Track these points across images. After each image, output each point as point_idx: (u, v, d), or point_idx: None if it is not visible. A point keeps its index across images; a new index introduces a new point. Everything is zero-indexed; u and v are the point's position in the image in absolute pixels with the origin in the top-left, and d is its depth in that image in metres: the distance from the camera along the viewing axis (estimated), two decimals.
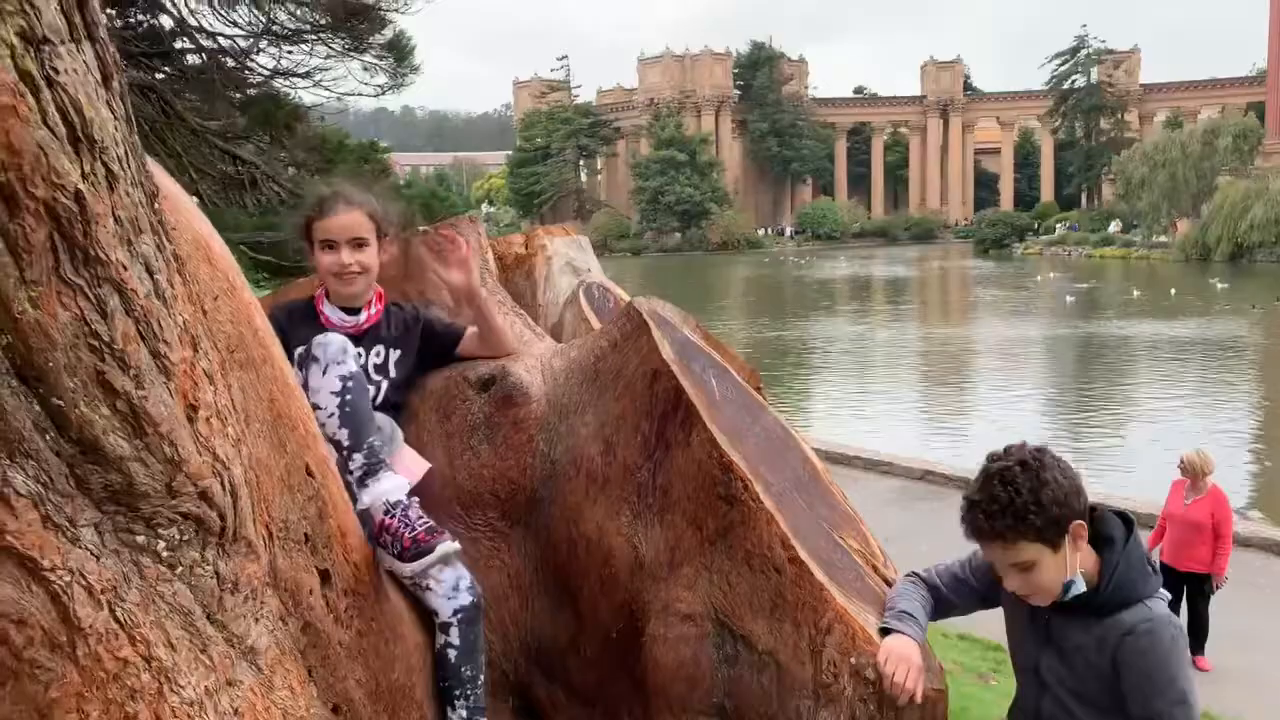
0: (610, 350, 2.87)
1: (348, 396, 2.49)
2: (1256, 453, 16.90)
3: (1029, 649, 2.43)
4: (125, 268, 1.35)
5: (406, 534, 2.42)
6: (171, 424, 1.51)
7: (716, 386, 2.84)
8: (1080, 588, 2.26)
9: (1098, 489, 13.36)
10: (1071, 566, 2.25)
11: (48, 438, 1.35)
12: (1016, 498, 2.17)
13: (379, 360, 2.85)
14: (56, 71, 1.18)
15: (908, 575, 2.66)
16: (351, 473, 2.47)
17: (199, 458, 1.60)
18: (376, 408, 2.77)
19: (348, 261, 2.76)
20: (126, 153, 1.35)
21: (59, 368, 1.30)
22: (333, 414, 2.47)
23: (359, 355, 2.77)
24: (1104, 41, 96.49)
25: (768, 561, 2.51)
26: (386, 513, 2.44)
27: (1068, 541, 2.23)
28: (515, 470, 2.84)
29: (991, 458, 2.28)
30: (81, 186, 1.24)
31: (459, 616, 2.59)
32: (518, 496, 2.84)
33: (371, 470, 2.48)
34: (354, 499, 2.46)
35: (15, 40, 1.13)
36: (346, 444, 2.47)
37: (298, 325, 2.71)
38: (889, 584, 2.69)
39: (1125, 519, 2.36)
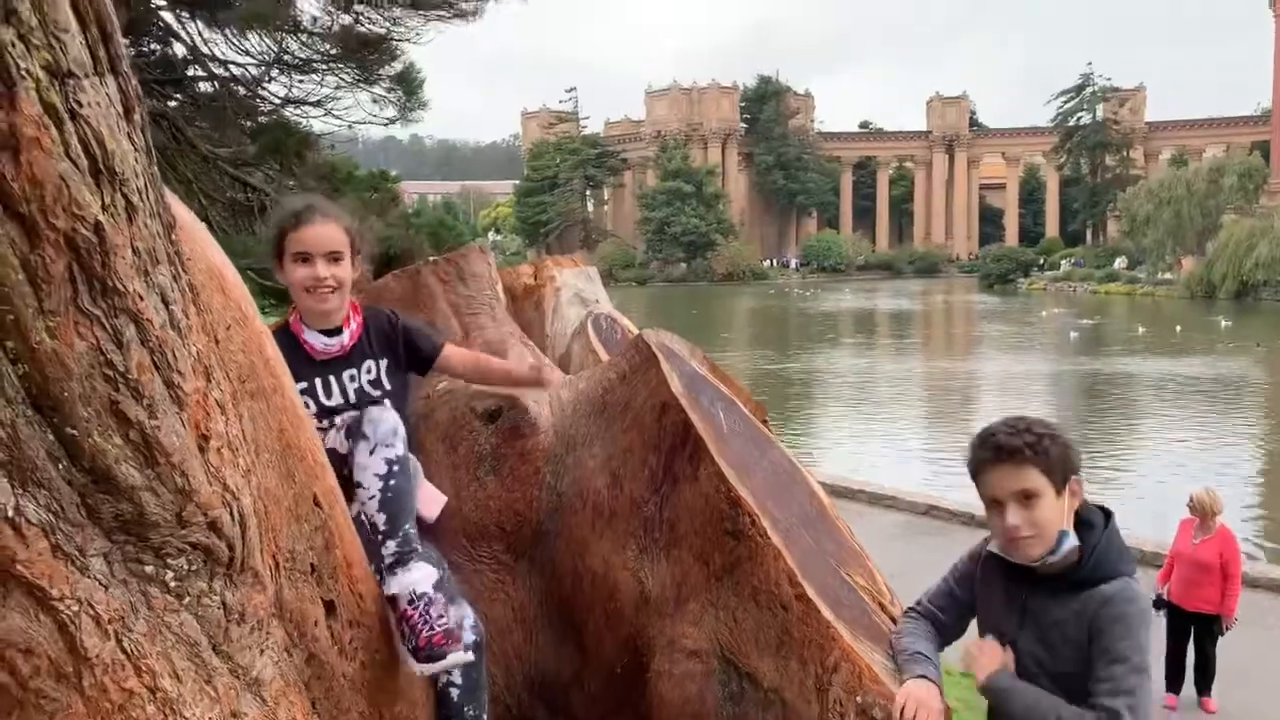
0: (618, 382, 2.87)
1: (392, 481, 2.45)
2: (1260, 492, 16.81)
3: (1004, 631, 2.44)
4: (142, 298, 1.36)
5: (424, 632, 2.37)
6: (183, 454, 1.51)
7: (724, 420, 2.84)
8: (1072, 542, 2.31)
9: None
10: (1067, 520, 2.32)
11: (60, 467, 1.35)
12: (1035, 426, 2.32)
13: (371, 376, 2.78)
14: (80, 105, 1.19)
15: (908, 612, 2.67)
16: (383, 558, 2.43)
17: (209, 488, 1.59)
18: None
19: (323, 275, 2.64)
20: (146, 184, 1.36)
21: (74, 397, 1.31)
22: (374, 496, 2.44)
23: (351, 378, 2.75)
24: (1109, 79, 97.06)
25: (774, 598, 2.50)
26: (410, 603, 2.40)
27: (1066, 493, 2.32)
28: (521, 502, 2.83)
29: None
30: (101, 218, 1.25)
31: None
32: (524, 529, 2.83)
33: (403, 560, 2.43)
34: (380, 580, 2.43)
35: (41, 74, 1.14)
36: (383, 528, 2.43)
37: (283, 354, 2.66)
38: (895, 621, 2.68)
39: (1105, 511, 2.43)
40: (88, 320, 1.29)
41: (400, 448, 2.49)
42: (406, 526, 2.46)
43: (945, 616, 2.60)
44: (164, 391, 1.45)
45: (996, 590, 2.46)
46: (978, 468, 2.36)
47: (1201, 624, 7.80)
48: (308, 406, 2.60)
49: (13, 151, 1.13)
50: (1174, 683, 7.98)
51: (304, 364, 2.63)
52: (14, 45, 1.10)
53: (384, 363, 2.77)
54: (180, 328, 1.48)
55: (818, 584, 2.54)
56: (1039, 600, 2.37)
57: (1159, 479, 17.01)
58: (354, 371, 2.72)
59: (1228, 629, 7.81)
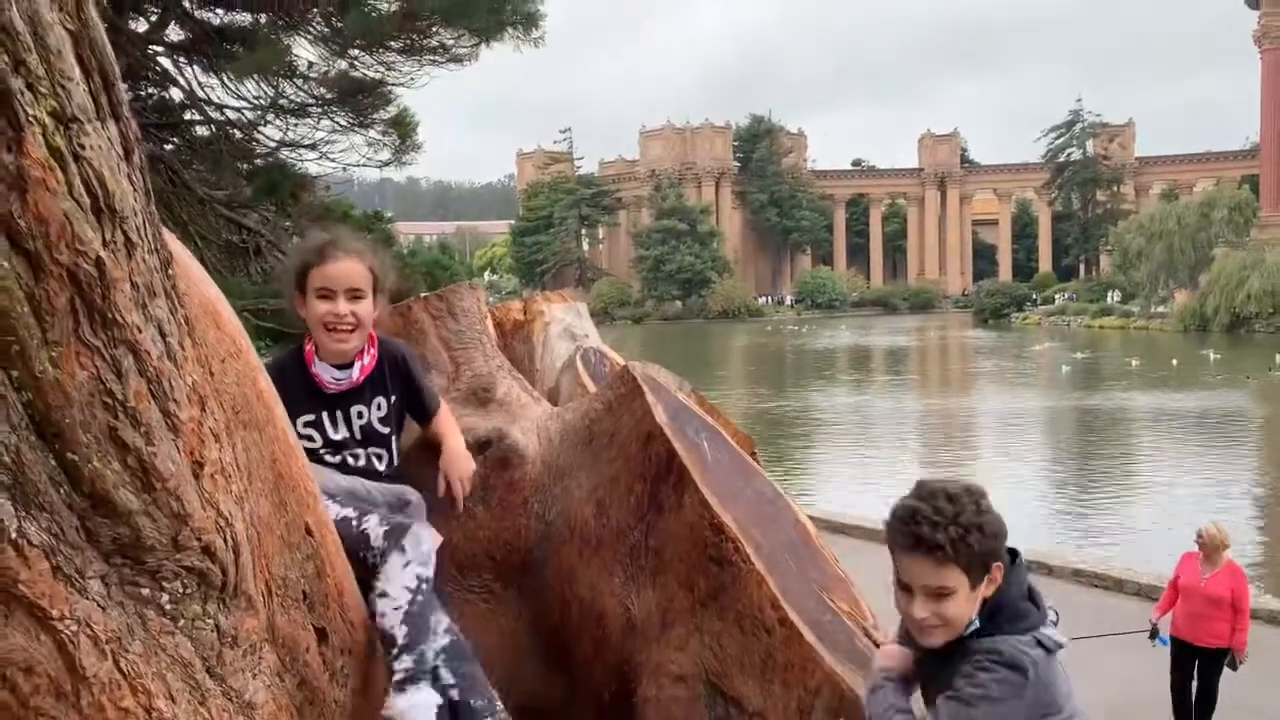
0: (605, 413, 2.93)
1: (419, 597, 2.44)
2: (1256, 523, 16.84)
3: (930, 698, 2.28)
4: (140, 330, 1.43)
5: None
6: (179, 480, 1.57)
7: (709, 449, 2.90)
8: (974, 626, 2.15)
9: (1099, 555, 13.32)
10: (977, 608, 2.16)
11: (62, 491, 1.41)
12: (962, 515, 2.10)
13: (381, 413, 2.75)
14: (83, 148, 1.27)
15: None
16: (394, 671, 2.39)
17: (203, 513, 1.66)
18: (393, 466, 2.79)
19: (343, 312, 2.61)
20: (144, 222, 1.43)
21: (75, 424, 1.37)
22: (400, 607, 2.41)
23: (359, 414, 2.74)
24: (1099, 115, 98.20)
25: (758, 623, 2.55)
26: None
27: (985, 581, 2.14)
28: (510, 532, 2.89)
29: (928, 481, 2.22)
30: (102, 254, 1.32)
31: (444, 656, 2.57)
32: (513, 558, 2.89)
33: (414, 679, 2.39)
34: (386, 692, 2.40)
35: (47, 119, 1.22)
36: (402, 641, 2.40)
37: (289, 386, 2.55)
38: (878, 646, 2.72)
39: (1012, 553, 2.24)
40: (89, 350, 1.36)
41: (431, 568, 2.48)
42: (424, 647, 2.42)
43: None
44: (160, 419, 1.52)
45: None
46: (892, 546, 2.17)
47: (1208, 659, 7.73)
48: (313, 440, 2.63)
49: (20, 191, 1.20)
50: (1180, 718, 7.93)
51: (313, 396, 2.64)
52: (23, 93, 1.18)
53: (394, 399, 2.77)
54: (176, 359, 1.55)
55: (800, 609, 2.59)
56: (936, 669, 2.21)
57: (1155, 511, 17.05)
58: (363, 408, 2.70)
59: (1241, 663, 7.69)
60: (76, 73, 1.25)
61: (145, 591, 1.61)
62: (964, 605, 2.12)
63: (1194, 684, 7.87)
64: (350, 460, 2.74)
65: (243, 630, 1.87)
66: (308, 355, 2.70)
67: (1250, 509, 17.99)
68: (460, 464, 2.86)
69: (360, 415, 2.73)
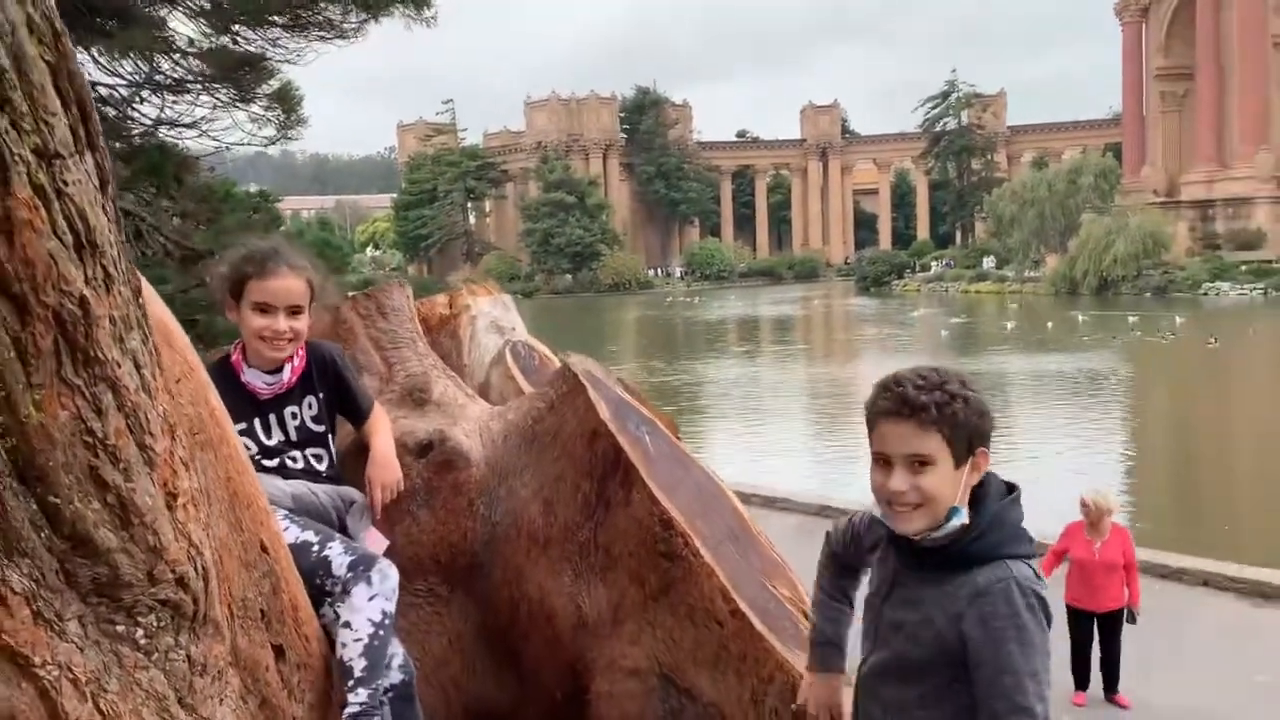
0: (547, 412, 2.94)
1: (381, 632, 2.44)
2: (1131, 477, 17.77)
3: (874, 605, 2.24)
4: (119, 365, 1.38)
5: None
6: (155, 513, 1.53)
7: (650, 443, 2.94)
8: (961, 520, 2.05)
9: None
10: (962, 496, 2.06)
11: (42, 535, 1.37)
12: (947, 384, 2.03)
13: (313, 412, 2.74)
14: (66, 184, 1.22)
15: (823, 587, 2.47)
16: (346, 705, 2.38)
17: (177, 545, 1.62)
18: (333, 466, 2.75)
19: (283, 329, 2.60)
20: (118, 254, 1.38)
21: (57, 466, 1.33)
22: (361, 639, 2.42)
23: (293, 415, 2.70)
24: (973, 86, 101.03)
25: (710, 615, 2.60)
26: None
27: (968, 466, 2.06)
28: (456, 534, 2.88)
29: None
30: (85, 291, 1.28)
31: (390, 695, 2.60)
32: (458, 560, 2.88)
33: (367, 714, 2.40)
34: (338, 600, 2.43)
35: (31, 157, 1.17)
36: (359, 674, 2.40)
37: (222, 392, 2.49)
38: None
39: (1010, 486, 2.18)
40: (70, 390, 1.32)
41: (394, 604, 2.49)
42: (380, 682, 2.43)
43: (855, 555, 2.42)
44: (138, 454, 1.47)
45: (881, 551, 2.25)
46: (874, 416, 2.07)
47: (1106, 622, 7.95)
48: (248, 447, 2.57)
49: (7, 234, 1.15)
50: (1081, 681, 8.22)
51: (244, 403, 2.60)
52: (8, 132, 1.13)
53: (322, 397, 2.75)
54: (150, 390, 1.51)
55: (749, 598, 2.65)
56: (909, 574, 2.14)
57: (1034, 470, 17.82)
58: (295, 408, 2.69)
59: (1138, 615, 7.92)
60: (58, 106, 1.20)
61: (120, 628, 1.57)
62: (945, 483, 2.03)
63: (1094, 647, 8.17)
64: (290, 464, 2.71)
65: (210, 657, 1.84)
66: (235, 364, 2.67)
67: (1120, 464, 18.97)
68: (385, 470, 2.83)
69: (294, 416, 2.72)
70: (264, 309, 2.60)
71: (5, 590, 1.32)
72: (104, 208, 1.33)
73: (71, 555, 1.42)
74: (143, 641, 1.61)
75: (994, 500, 2.11)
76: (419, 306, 3.76)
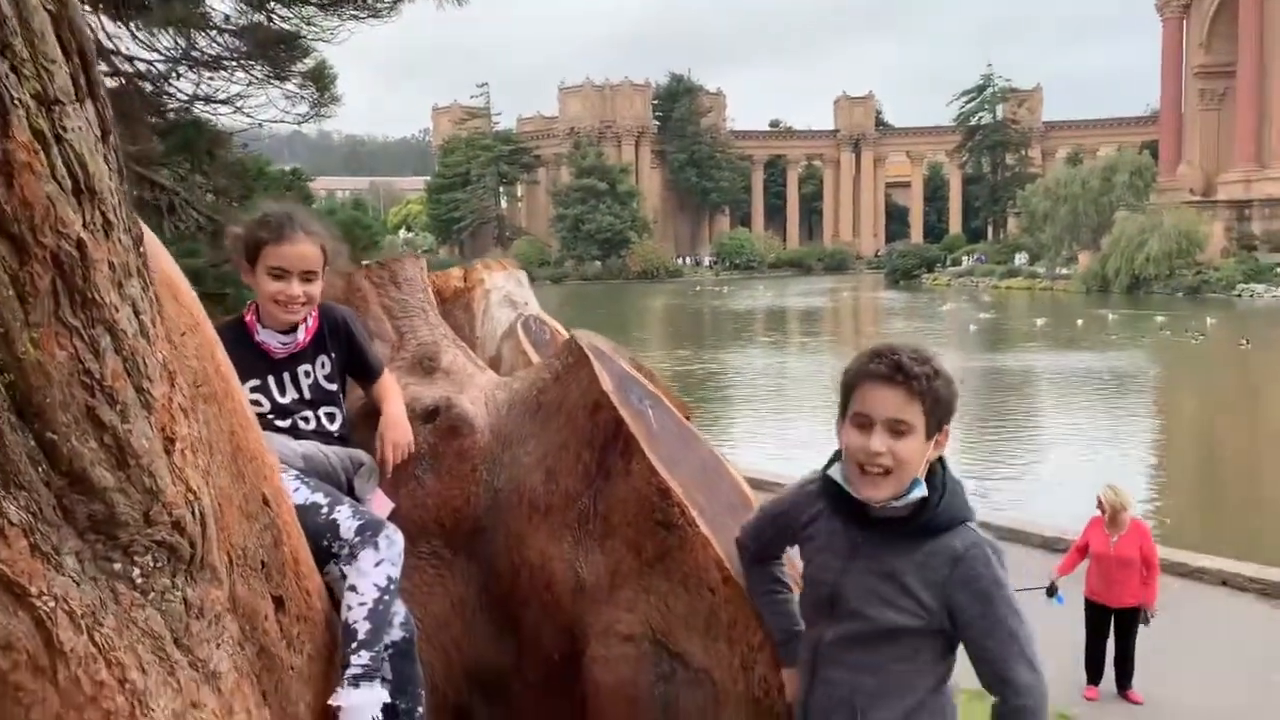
0: (552, 383, 2.98)
1: (386, 597, 2.49)
2: (1157, 477, 17.63)
3: (829, 568, 2.32)
4: (117, 309, 1.44)
5: None
6: (151, 456, 1.59)
7: (654, 417, 2.97)
8: (921, 492, 2.18)
9: (1004, 509, 13.83)
10: (923, 469, 2.19)
11: (40, 470, 1.42)
12: (932, 360, 2.17)
13: (326, 371, 2.80)
14: (65, 129, 1.27)
15: (765, 582, 2.59)
16: (349, 666, 2.43)
17: (174, 488, 1.67)
18: (345, 425, 2.81)
19: (296, 294, 2.67)
20: (119, 202, 1.44)
21: (54, 404, 1.38)
22: (366, 604, 2.46)
23: (306, 374, 2.76)
24: (1009, 80, 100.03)
25: (703, 583, 2.64)
26: None
27: (933, 440, 2.19)
28: (459, 499, 2.93)
29: None
30: (83, 235, 1.33)
31: (390, 652, 2.66)
32: (462, 525, 2.93)
33: (368, 675, 2.45)
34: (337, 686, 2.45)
35: (31, 102, 1.22)
36: (363, 637, 2.45)
37: (233, 354, 2.53)
38: None
39: (940, 458, 2.29)
40: (68, 331, 1.37)
41: (399, 569, 2.55)
42: (380, 647, 2.48)
43: (780, 542, 2.58)
44: (135, 397, 1.53)
45: (824, 525, 2.34)
46: (861, 379, 2.19)
47: (1122, 618, 7.98)
48: (260, 404, 2.64)
49: (7, 176, 1.20)
50: (1094, 675, 8.22)
51: (258, 362, 2.66)
52: (8, 76, 1.18)
53: (334, 357, 2.80)
54: (149, 336, 1.56)
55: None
56: (873, 544, 2.24)
57: (1059, 467, 17.72)
58: (309, 367, 2.74)
59: (1152, 616, 7.97)
60: (59, 54, 1.25)
61: (117, 566, 1.63)
62: (916, 452, 2.15)
63: (1109, 643, 8.15)
64: (301, 424, 2.76)
65: (208, 601, 1.90)
66: (250, 324, 2.72)
67: (1149, 464, 18.82)
68: (397, 430, 2.89)
69: (307, 375, 2.77)
70: (279, 274, 2.66)
71: (3, 521, 1.38)
72: (105, 156, 1.38)
73: (68, 491, 1.47)
74: (139, 581, 1.67)
75: (938, 470, 2.25)
76: (434, 278, 3.81)
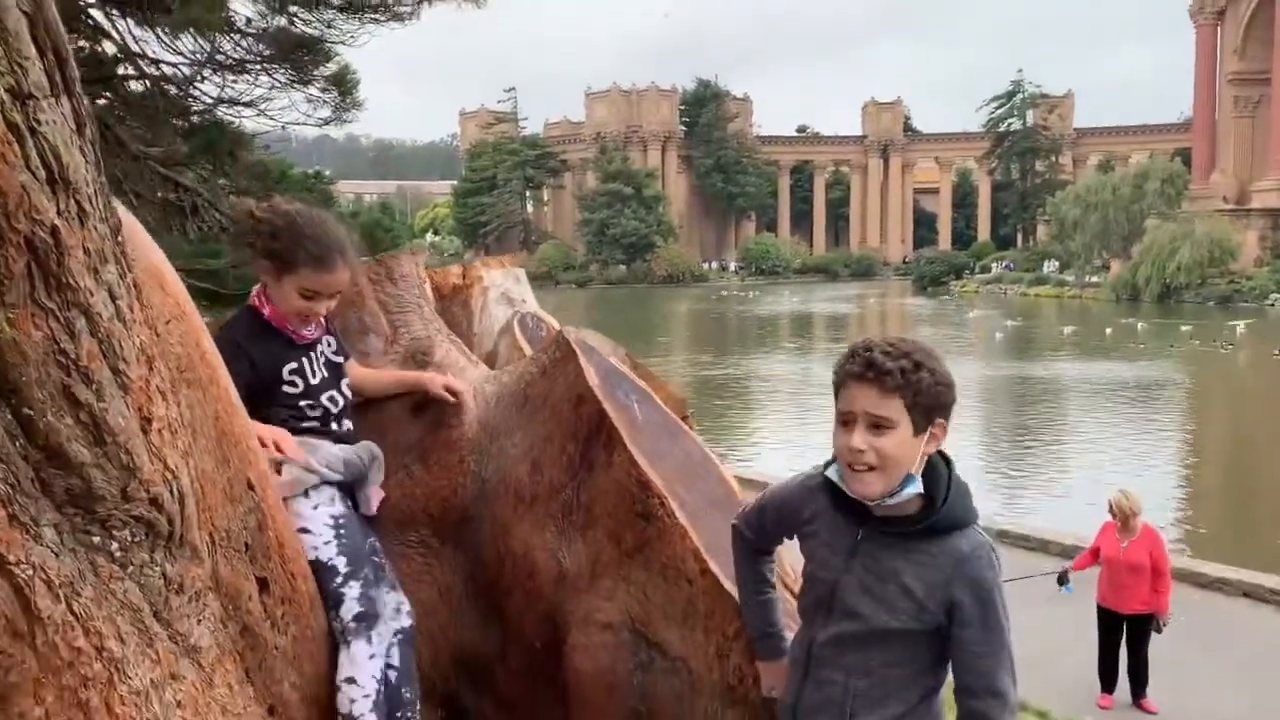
0: (539, 376, 3.06)
1: (385, 688, 2.65)
2: (1176, 486, 17.49)
3: (830, 567, 2.30)
4: (92, 294, 1.52)
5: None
6: (128, 434, 1.67)
7: (639, 411, 3.04)
8: (916, 489, 2.16)
9: (1030, 521, 13.78)
10: (918, 465, 2.16)
11: (17, 444, 1.50)
12: (916, 354, 2.13)
13: (332, 348, 2.89)
14: (39, 123, 1.36)
15: (753, 580, 2.58)
16: (342, 616, 2.62)
17: (151, 466, 1.75)
18: (346, 408, 2.89)
19: (321, 311, 2.77)
20: (95, 192, 1.52)
21: (30, 381, 1.47)
22: (369, 696, 2.60)
23: (320, 353, 2.83)
24: (1039, 86, 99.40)
25: (680, 574, 2.70)
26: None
27: (926, 436, 2.14)
28: (447, 489, 3.01)
29: None
30: (57, 222, 1.41)
31: (399, 638, 2.76)
32: (449, 514, 3.01)
33: (370, 622, 2.64)
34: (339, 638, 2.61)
35: (5, 96, 1.30)
36: (344, 571, 2.63)
37: (260, 342, 2.71)
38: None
39: (945, 457, 2.25)
40: (43, 313, 1.45)
41: (399, 657, 2.75)
42: (367, 572, 2.68)
43: (771, 549, 2.59)
44: (111, 377, 1.61)
45: (826, 522, 2.31)
46: (843, 379, 2.17)
47: (1134, 625, 7.94)
48: (295, 385, 2.74)
49: None
50: (1108, 683, 8.19)
51: (286, 346, 2.74)
52: None
53: (335, 335, 2.93)
54: (125, 320, 1.64)
55: (721, 561, 2.74)
56: (874, 544, 2.22)
57: (1080, 476, 17.62)
58: (321, 347, 2.84)
59: (1165, 625, 7.93)
60: (32, 52, 1.33)
61: (96, 539, 1.71)
62: (903, 447, 2.12)
63: (1123, 651, 8.11)
64: (331, 406, 2.83)
65: (188, 578, 1.98)
66: (275, 320, 2.75)
67: (1171, 473, 18.67)
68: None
69: (321, 355, 2.85)
70: (310, 295, 2.71)
71: None
72: (80, 149, 1.47)
73: (46, 465, 1.55)
74: (118, 554, 1.75)
75: (942, 470, 2.21)
76: (433, 275, 3.89)
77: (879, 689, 2.24)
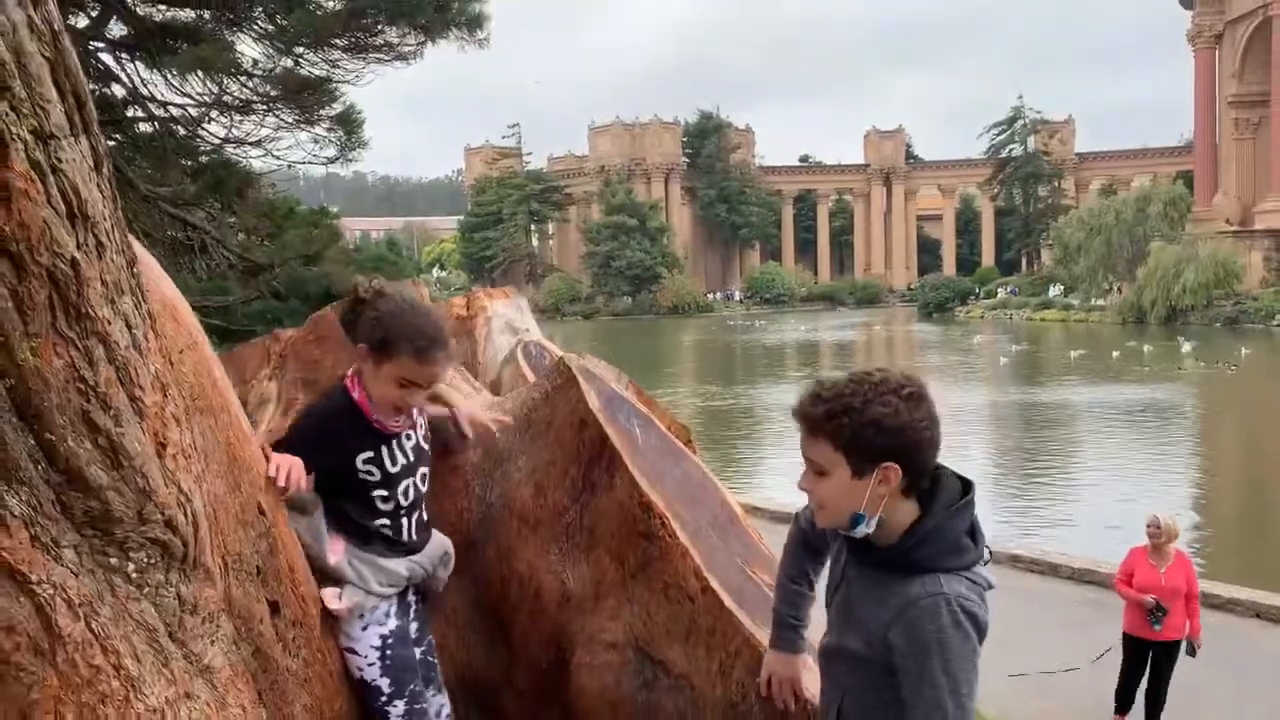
0: (542, 402, 3.13)
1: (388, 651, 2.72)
2: (1192, 509, 17.44)
3: (829, 591, 2.33)
4: (110, 323, 1.59)
5: None
6: (144, 459, 1.74)
7: (640, 434, 3.10)
8: (867, 529, 2.09)
9: (1038, 544, 13.75)
10: (872, 505, 2.06)
11: (39, 468, 1.58)
12: (844, 397, 2.02)
13: (423, 431, 2.85)
14: (60, 161, 1.44)
15: (791, 572, 2.57)
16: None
17: (166, 489, 1.82)
18: (419, 500, 2.85)
19: (415, 404, 2.72)
20: (112, 226, 1.60)
21: (52, 407, 1.54)
22: (374, 663, 2.69)
23: (409, 437, 2.76)
24: (1039, 112, 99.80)
25: (682, 592, 2.76)
26: None
27: (875, 477, 2.03)
28: (452, 513, 3.07)
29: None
30: (77, 255, 1.49)
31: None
32: (454, 538, 3.06)
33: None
34: None
35: (29, 137, 1.38)
36: (387, 692, 2.70)
37: (349, 426, 2.66)
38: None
39: (966, 485, 2.15)
40: (64, 341, 1.53)
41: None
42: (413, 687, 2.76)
43: (823, 550, 2.52)
44: (128, 403, 1.68)
45: (840, 542, 2.32)
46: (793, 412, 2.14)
47: (1162, 651, 7.81)
48: (372, 474, 2.68)
49: (5, 201, 1.37)
50: (1123, 705, 8.10)
51: (370, 434, 2.68)
52: (7, 115, 1.35)
53: (426, 417, 2.89)
54: (141, 349, 1.71)
55: (722, 578, 2.80)
56: (854, 568, 2.22)
57: (1089, 498, 17.59)
58: (411, 430, 2.78)
59: (1199, 647, 7.79)
60: (54, 95, 1.42)
61: (113, 560, 1.77)
62: (839, 492, 2.06)
63: (1144, 676, 8.02)
64: (402, 499, 2.76)
65: (202, 599, 2.04)
66: (362, 404, 2.67)
67: (1180, 495, 18.61)
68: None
69: (409, 438, 2.78)
70: (407, 385, 2.63)
71: (5, 513, 1.53)
72: (98, 185, 1.55)
73: (66, 488, 1.62)
74: (134, 575, 1.82)
75: (940, 509, 2.10)
76: (436, 308, 3.97)
77: (856, 710, 2.25)
